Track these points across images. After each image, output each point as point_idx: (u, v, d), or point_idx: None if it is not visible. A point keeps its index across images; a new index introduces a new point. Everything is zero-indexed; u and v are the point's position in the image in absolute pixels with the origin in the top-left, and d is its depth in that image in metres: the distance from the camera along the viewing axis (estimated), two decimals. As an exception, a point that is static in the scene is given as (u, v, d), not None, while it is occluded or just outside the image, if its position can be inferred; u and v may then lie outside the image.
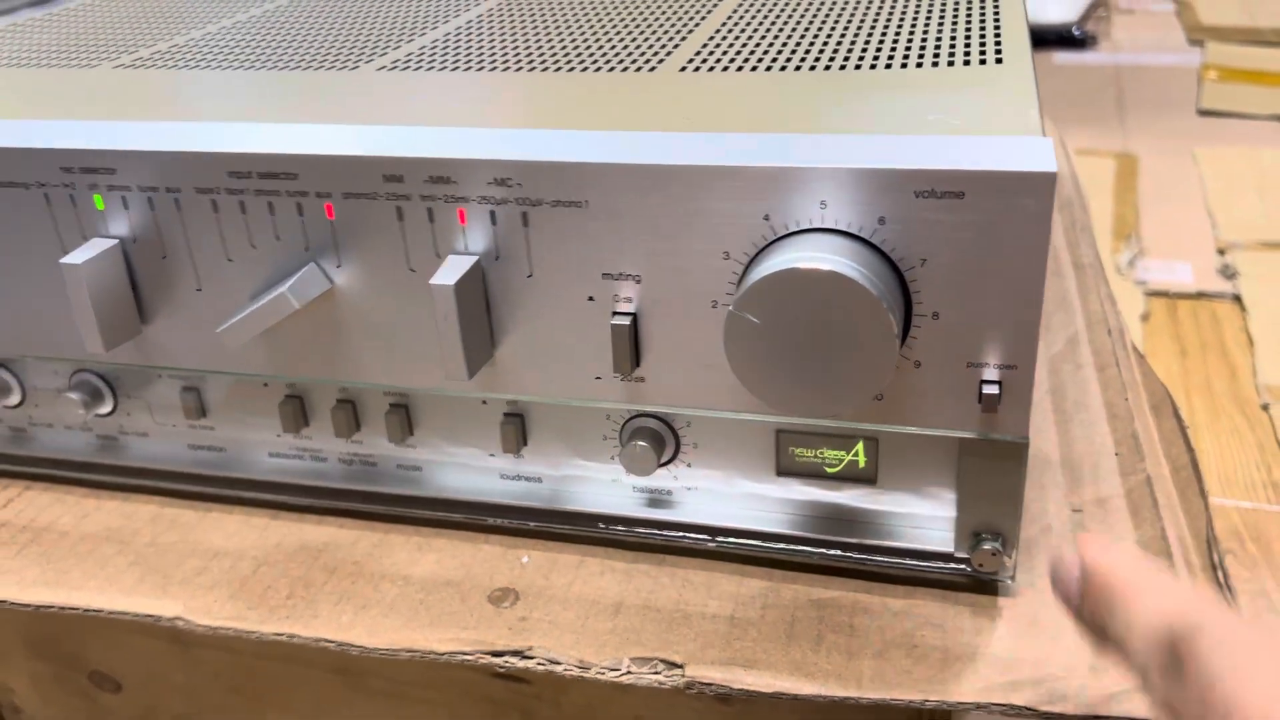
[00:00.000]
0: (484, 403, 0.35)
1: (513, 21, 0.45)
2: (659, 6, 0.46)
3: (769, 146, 0.28)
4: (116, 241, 0.33)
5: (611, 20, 0.44)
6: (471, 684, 0.43)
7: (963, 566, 0.32)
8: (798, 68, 0.36)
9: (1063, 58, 1.70)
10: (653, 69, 0.37)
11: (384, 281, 0.32)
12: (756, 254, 0.28)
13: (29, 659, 0.52)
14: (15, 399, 0.39)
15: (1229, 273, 1.01)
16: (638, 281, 0.30)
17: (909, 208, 0.27)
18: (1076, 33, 1.75)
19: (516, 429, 0.34)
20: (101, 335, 0.33)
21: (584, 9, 0.46)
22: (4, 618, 0.50)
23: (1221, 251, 1.05)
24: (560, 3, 0.48)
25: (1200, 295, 0.98)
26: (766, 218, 0.28)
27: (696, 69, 0.37)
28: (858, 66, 0.35)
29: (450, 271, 0.30)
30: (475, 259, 0.30)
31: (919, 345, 0.28)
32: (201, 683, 0.48)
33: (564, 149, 0.29)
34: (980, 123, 0.29)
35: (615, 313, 0.30)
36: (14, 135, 0.33)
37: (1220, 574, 0.32)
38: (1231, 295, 0.97)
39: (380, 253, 0.31)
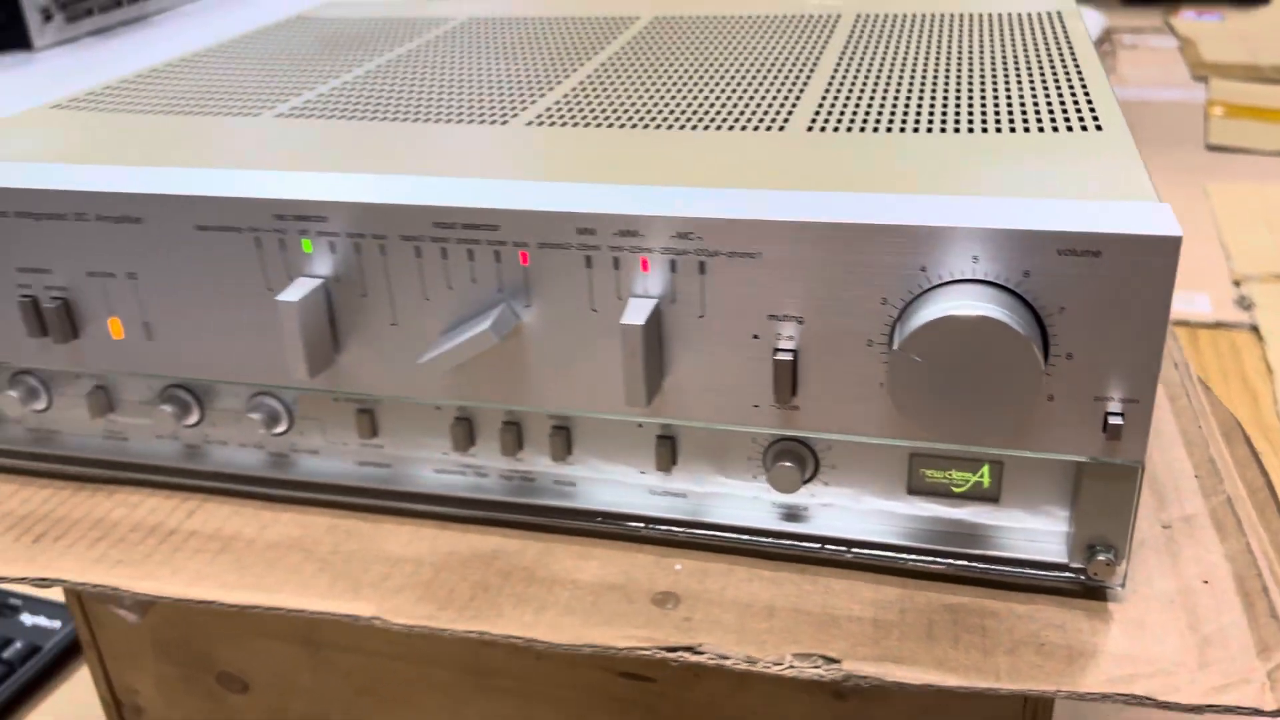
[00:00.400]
0: (639, 426, 0.39)
1: (628, 74, 0.50)
2: (761, 72, 0.50)
3: (927, 207, 0.32)
4: (321, 281, 0.37)
5: (723, 78, 0.48)
6: (598, 683, 0.47)
7: (1077, 575, 0.36)
8: (915, 129, 0.40)
9: (1073, 92, 1.75)
10: (781, 129, 0.41)
11: (568, 320, 0.36)
12: (912, 300, 0.33)
13: (157, 661, 0.56)
14: (194, 418, 0.43)
15: (1245, 304, 1.06)
16: (800, 322, 0.34)
17: (1052, 263, 0.31)
18: (1085, 67, 1.80)
19: (669, 449, 0.39)
20: (307, 365, 0.37)
21: (682, 65, 0.51)
22: (139, 626, 0.54)
23: (1237, 283, 1.10)
24: (660, 58, 0.52)
25: (1219, 325, 1.03)
26: (923, 269, 0.32)
27: (822, 129, 0.41)
28: (970, 130, 0.40)
29: (636, 313, 0.34)
30: (655, 301, 0.35)
31: (1053, 381, 0.33)
32: (330, 684, 0.52)
33: (741, 207, 0.33)
34: (1106, 189, 0.33)
35: (777, 349, 0.35)
36: (228, 185, 0.37)
37: (1301, 583, 0.36)
38: (1249, 325, 1.02)
39: (567, 295, 0.35)
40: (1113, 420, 0.33)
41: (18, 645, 0.67)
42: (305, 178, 0.37)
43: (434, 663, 0.49)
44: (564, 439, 0.39)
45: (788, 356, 0.34)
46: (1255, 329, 1.02)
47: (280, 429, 0.42)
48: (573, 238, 0.35)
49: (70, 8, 1.13)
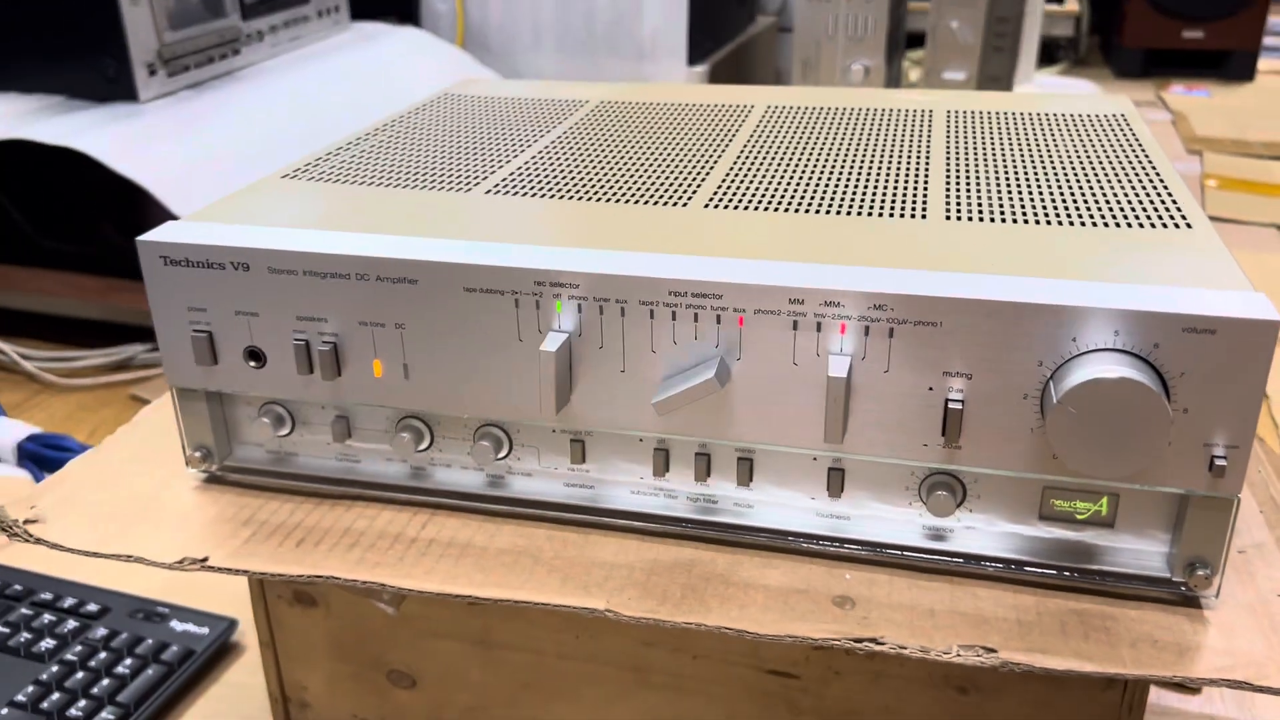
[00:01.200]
0: (815, 459, 0.47)
1: (771, 166, 0.59)
2: (888, 161, 0.59)
3: (1078, 291, 0.41)
4: (567, 335, 0.46)
5: (866, 169, 0.57)
6: (746, 679, 0.55)
7: (1179, 588, 0.45)
8: (1039, 221, 0.49)
9: (1077, 161, 1.87)
10: (923, 216, 0.51)
11: (775, 373, 0.44)
12: (1063, 363, 0.41)
13: (330, 660, 0.64)
14: (425, 444, 0.51)
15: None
16: (969, 378, 0.43)
17: (1177, 338, 0.40)
18: (1087, 138, 1.92)
19: (839, 479, 0.47)
20: (556, 403, 0.45)
21: (837, 155, 0.60)
22: (315, 624, 0.62)
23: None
24: (799, 149, 0.62)
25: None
26: (1074, 340, 0.41)
27: (958, 219, 0.50)
28: (1086, 224, 0.49)
29: (838, 367, 0.43)
30: (849, 359, 0.43)
31: (1173, 430, 0.41)
32: (496, 680, 0.60)
33: (925, 285, 0.42)
34: (1212, 279, 0.43)
35: (949, 400, 0.43)
36: (494, 255, 0.46)
37: (1354, 598, 0.45)
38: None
39: (775, 351, 0.44)
40: (1218, 462, 0.41)
41: (174, 649, 0.74)
42: (558, 252, 0.46)
43: (596, 660, 0.57)
44: (748, 468, 0.48)
45: (958, 406, 0.43)
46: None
47: (502, 455, 0.50)
48: (784, 306, 0.43)
49: (171, 64, 1.22)
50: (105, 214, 1.26)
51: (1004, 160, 0.58)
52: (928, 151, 0.60)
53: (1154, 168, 0.57)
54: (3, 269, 1.29)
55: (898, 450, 0.45)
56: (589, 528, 0.50)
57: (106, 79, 1.19)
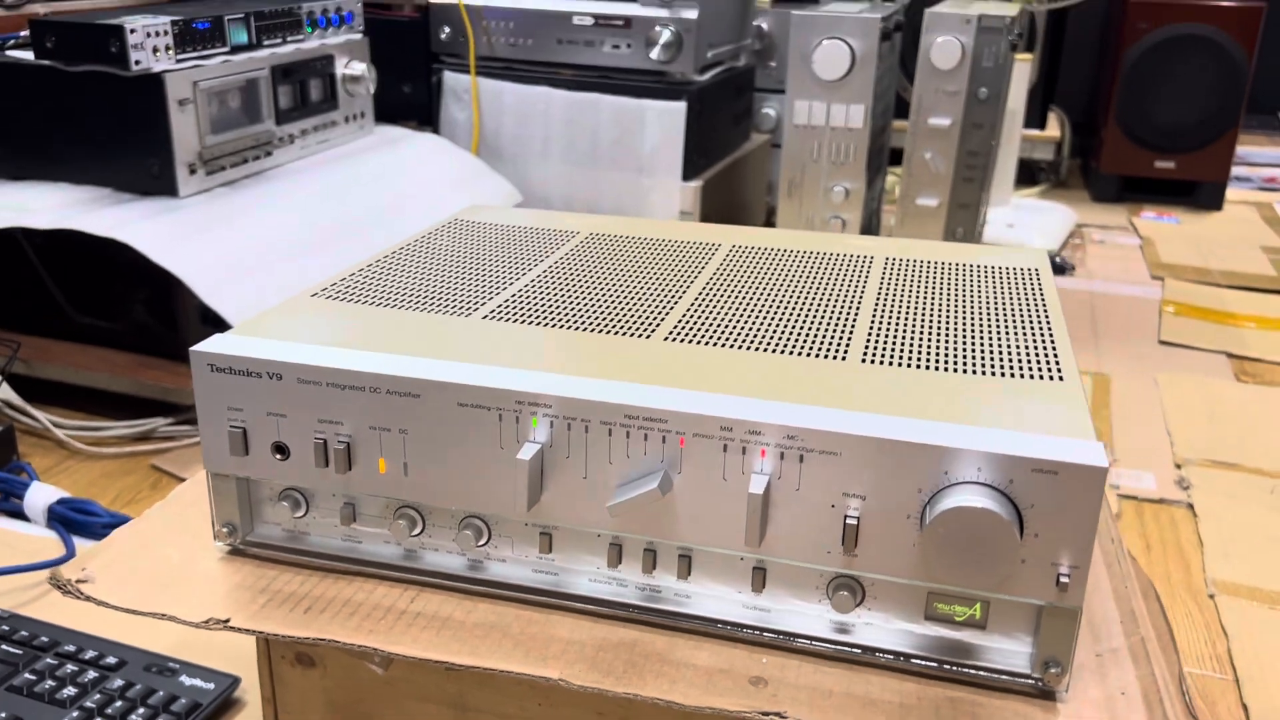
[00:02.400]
0: (742, 559, 0.57)
1: (730, 300, 0.69)
2: (822, 303, 0.70)
3: (951, 433, 0.51)
4: (540, 446, 0.56)
5: (796, 309, 0.68)
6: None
7: (1037, 682, 0.54)
8: (935, 368, 0.59)
9: (1046, 282, 1.99)
10: (842, 359, 0.61)
11: (707, 486, 0.54)
12: (938, 491, 0.51)
13: (325, 717, 0.72)
14: (418, 530, 0.61)
15: (1184, 484, 1.26)
16: (863, 499, 0.53)
17: (1027, 476, 0.50)
18: (1057, 260, 2.05)
19: (761, 577, 0.57)
20: (528, 502, 0.55)
21: (764, 295, 0.70)
22: (313, 684, 0.70)
23: (1179, 465, 1.30)
24: (749, 287, 0.72)
25: (1161, 501, 1.22)
26: (946, 472, 0.51)
27: (873, 362, 0.60)
28: (972, 372, 0.59)
29: (757, 485, 0.53)
30: (767, 478, 0.53)
31: (1025, 550, 0.51)
32: (470, 740, 0.68)
33: (830, 421, 0.52)
34: (1063, 428, 0.53)
35: (847, 516, 0.53)
36: (484, 378, 0.56)
37: (1187, 701, 0.54)
38: (1186, 503, 1.22)
39: (708, 468, 0.54)
40: (1063, 579, 0.51)
41: (183, 701, 0.83)
42: (536, 376, 0.56)
43: (557, 727, 0.66)
44: (687, 564, 0.57)
45: (854, 521, 0.53)
46: (1191, 506, 1.21)
47: (482, 543, 0.60)
48: (717, 432, 0.53)
49: (209, 164, 1.34)
50: (138, 296, 1.37)
51: (923, 308, 0.69)
52: (860, 296, 0.71)
53: (1048, 322, 0.67)
54: (43, 342, 1.39)
55: (806, 555, 0.54)
56: (552, 608, 0.59)
57: (151, 176, 1.31)
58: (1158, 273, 2.01)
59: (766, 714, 0.52)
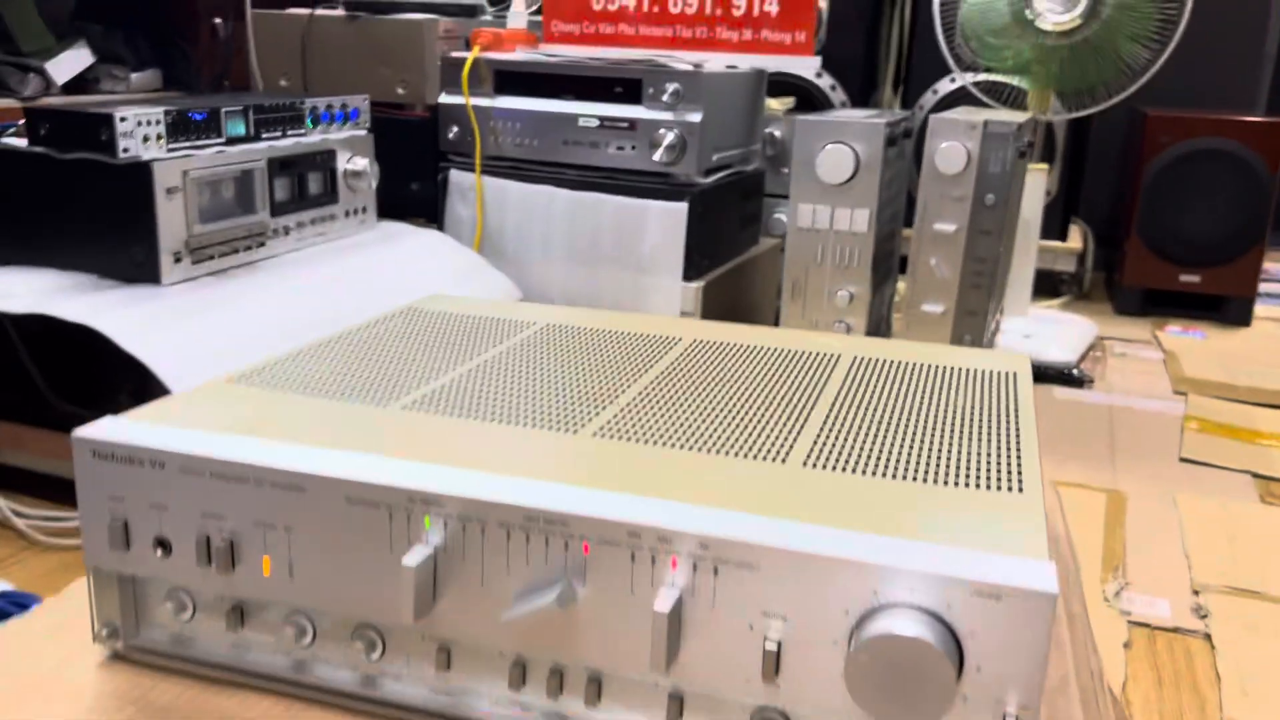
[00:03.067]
0: (656, 685, 0.50)
1: (670, 395, 0.64)
2: (773, 402, 0.65)
3: (884, 548, 0.45)
4: (432, 550, 0.50)
5: (741, 406, 0.63)
6: None
7: (985, 841, 0.46)
8: (886, 475, 0.54)
9: (1062, 394, 1.92)
10: (783, 460, 0.55)
11: (614, 599, 0.48)
12: (866, 614, 0.45)
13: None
14: (308, 639, 0.55)
15: (1201, 613, 1.17)
16: (784, 620, 0.46)
17: (967, 600, 0.44)
18: (1075, 373, 1.98)
19: (677, 706, 0.50)
20: (414, 611, 0.50)
21: (710, 391, 0.65)
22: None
23: (1196, 592, 1.21)
24: (694, 382, 0.67)
25: (1176, 630, 1.13)
26: (875, 593, 0.45)
27: (814, 466, 0.55)
28: (924, 480, 0.53)
29: (664, 602, 0.47)
30: (678, 593, 0.47)
31: (966, 685, 0.44)
32: None
33: (747, 531, 0.46)
34: (1014, 546, 0.46)
35: (767, 639, 0.47)
36: (373, 473, 0.51)
37: None
38: (1203, 634, 1.13)
39: (614, 578, 0.48)
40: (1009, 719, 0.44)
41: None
42: (430, 470, 0.51)
43: None
44: (596, 689, 0.51)
45: (774, 647, 0.46)
46: (1209, 637, 1.12)
47: (375, 656, 0.54)
48: (625, 539, 0.48)
49: (195, 253, 1.33)
50: (120, 385, 1.35)
51: (883, 411, 0.63)
52: (818, 397, 0.66)
53: (1017, 430, 0.62)
54: (16, 429, 1.37)
55: (723, 684, 0.48)
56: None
57: (134, 263, 1.30)
58: (1180, 388, 1.93)
59: None
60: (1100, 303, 2.63)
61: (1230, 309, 2.41)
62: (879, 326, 1.85)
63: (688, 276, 1.69)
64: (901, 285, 2.19)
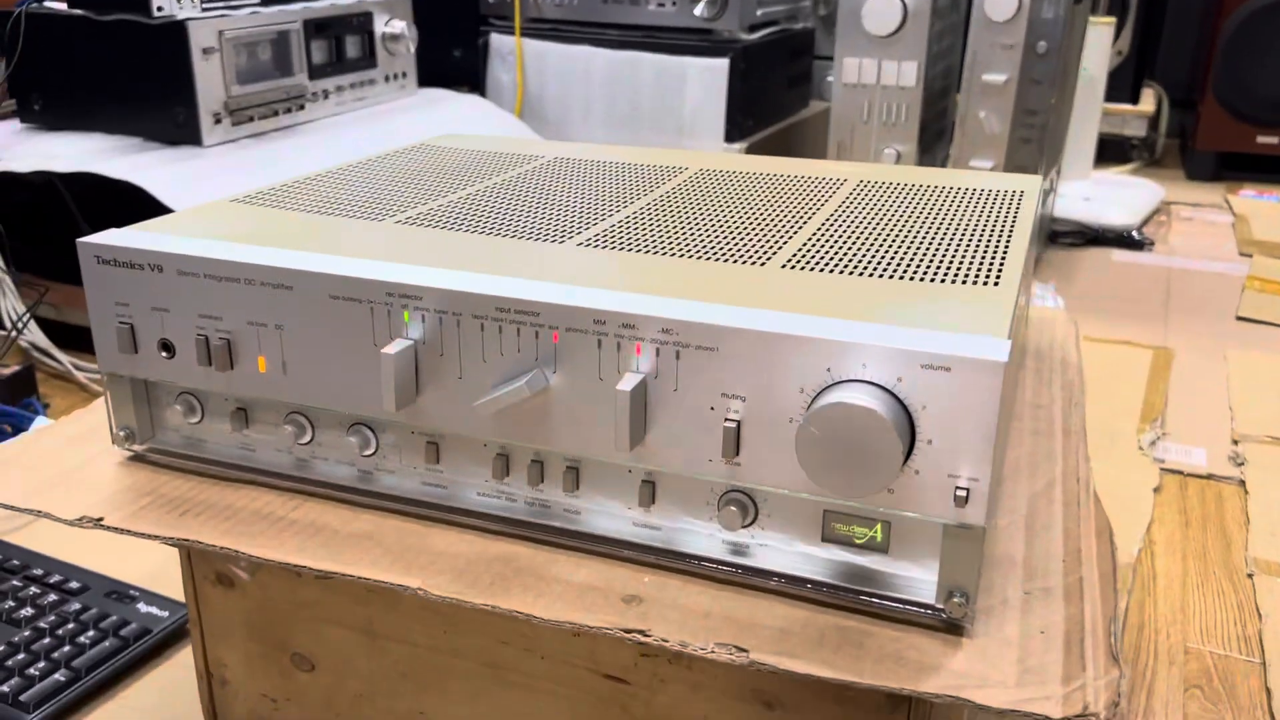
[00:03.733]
0: (629, 471, 0.52)
1: (663, 215, 0.64)
2: (766, 219, 0.65)
3: (836, 328, 0.46)
4: (412, 342, 0.52)
5: (732, 225, 0.63)
6: (585, 682, 0.59)
7: (939, 614, 0.48)
8: (863, 274, 0.54)
9: (1120, 256, 1.87)
10: (763, 264, 0.56)
11: (582, 385, 0.50)
12: (820, 391, 0.46)
13: (246, 640, 0.70)
14: (307, 438, 0.58)
15: (1238, 460, 1.15)
16: (743, 400, 0.47)
17: (916, 373, 0.44)
18: (1136, 236, 1.92)
19: (650, 491, 0.52)
20: (396, 400, 0.52)
21: (709, 210, 0.65)
22: (233, 604, 0.68)
23: (1235, 442, 1.19)
24: (692, 203, 0.67)
25: (1210, 477, 1.12)
26: (829, 370, 0.45)
27: (793, 268, 0.55)
28: (902, 278, 0.53)
29: (627, 383, 0.48)
30: (642, 376, 0.48)
31: (918, 459, 0.45)
32: (379, 668, 0.65)
33: (706, 314, 0.47)
34: (974, 324, 0.47)
35: (726, 419, 0.48)
36: (355, 269, 0.53)
37: (1112, 644, 0.47)
38: (1238, 480, 1.11)
39: (583, 366, 0.50)
40: (959, 492, 0.45)
41: (133, 626, 0.82)
42: (410, 269, 0.53)
43: (460, 655, 0.62)
44: (574, 476, 0.53)
45: (733, 425, 0.48)
46: (1243, 483, 1.11)
47: (369, 452, 0.57)
48: (590, 326, 0.49)
49: (236, 114, 1.35)
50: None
51: (878, 224, 0.63)
52: (814, 213, 0.65)
53: (1009, 236, 0.61)
54: (74, 289, 1.42)
55: (687, 464, 0.49)
56: (436, 522, 0.56)
57: (176, 124, 1.32)
58: (1246, 249, 1.87)
59: (629, 630, 0.48)
60: (1173, 169, 2.53)
61: (1309, 171, 2.30)
62: (929, 189, 1.81)
63: (730, 138, 1.67)
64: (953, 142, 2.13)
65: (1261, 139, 2.31)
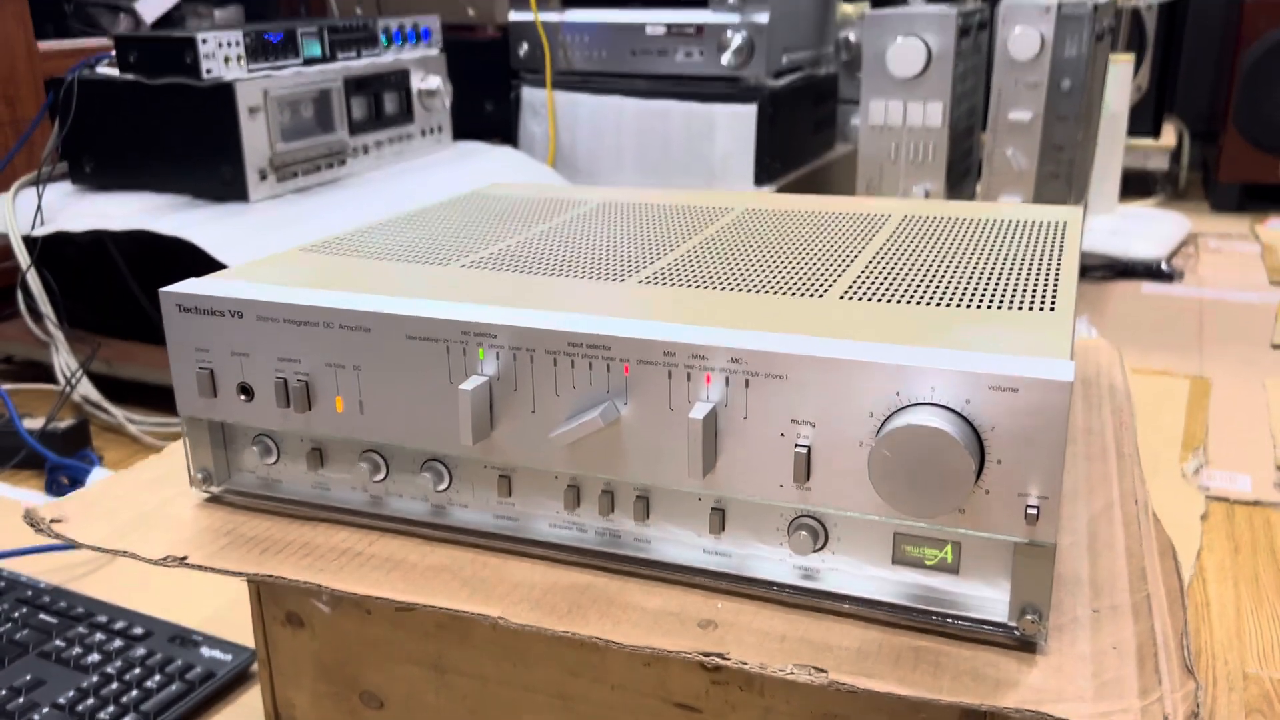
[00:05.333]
0: (699, 499, 0.53)
1: (716, 253, 0.66)
2: (818, 253, 0.67)
3: (903, 353, 0.47)
4: (487, 379, 0.54)
5: (785, 260, 0.65)
6: (659, 710, 0.60)
7: (1012, 631, 0.48)
8: (921, 303, 0.55)
9: (1150, 289, 1.88)
10: (821, 296, 0.57)
11: (654, 415, 0.51)
12: (890, 414, 0.47)
13: (315, 680, 0.71)
14: (381, 475, 0.59)
15: (1284, 486, 1.15)
16: (813, 426, 0.49)
17: (985, 395, 0.45)
18: (1164, 268, 1.93)
19: (719, 518, 0.53)
20: (473, 435, 0.53)
21: (763, 245, 0.67)
22: (302, 645, 0.69)
23: (1279, 468, 1.19)
24: (745, 239, 0.69)
25: (1257, 503, 1.12)
26: (898, 393, 0.47)
27: (853, 298, 0.57)
28: (961, 306, 0.55)
29: (699, 411, 0.49)
30: (713, 405, 0.50)
31: (988, 479, 0.46)
32: (449, 703, 0.66)
33: (775, 344, 0.49)
34: (1037, 348, 0.48)
35: (797, 444, 0.49)
36: (430, 309, 0.55)
37: (1186, 658, 0.48)
38: (1285, 506, 1.11)
39: (654, 396, 0.51)
40: (1031, 510, 0.46)
41: (198, 669, 0.83)
42: (482, 308, 0.55)
43: (530, 688, 0.63)
44: (644, 506, 0.54)
45: (803, 450, 0.49)
46: (1291, 510, 1.10)
47: (443, 487, 0.58)
48: (661, 357, 0.51)
49: (280, 170, 1.38)
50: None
51: (927, 256, 0.65)
52: (863, 247, 0.67)
53: (1058, 264, 0.62)
54: (125, 344, 1.46)
55: (759, 489, 0.51)
56: (510, 554, 0.57)
57: (224, 182, 1.36)
58: (1277, 278, 1.87)
59: (707, 654, 0.49)
60: (1197, 201, 2.54)
61: (1335, 200, 2.30)
62: (957, 226, 1.83)
63: (759, 181, 1.69)
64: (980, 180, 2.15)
65: (1286, 169, 2.32)
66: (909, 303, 0.56)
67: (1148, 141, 2.44)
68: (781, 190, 1.74)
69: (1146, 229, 2.07)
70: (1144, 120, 2.44)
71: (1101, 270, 1.93)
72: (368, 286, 0.60)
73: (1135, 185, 2.50)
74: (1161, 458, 1.23)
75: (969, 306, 0.55)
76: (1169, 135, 2.52)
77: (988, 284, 0.58)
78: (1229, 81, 2.40)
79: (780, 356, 0.48)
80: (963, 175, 1.82)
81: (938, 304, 0.55)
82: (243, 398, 0.60)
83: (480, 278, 0.62)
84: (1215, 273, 1.96)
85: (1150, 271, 1.92)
